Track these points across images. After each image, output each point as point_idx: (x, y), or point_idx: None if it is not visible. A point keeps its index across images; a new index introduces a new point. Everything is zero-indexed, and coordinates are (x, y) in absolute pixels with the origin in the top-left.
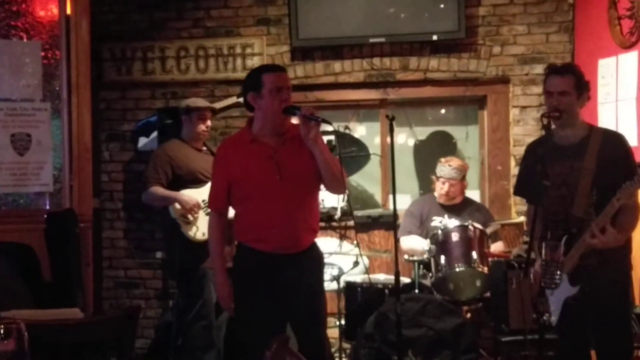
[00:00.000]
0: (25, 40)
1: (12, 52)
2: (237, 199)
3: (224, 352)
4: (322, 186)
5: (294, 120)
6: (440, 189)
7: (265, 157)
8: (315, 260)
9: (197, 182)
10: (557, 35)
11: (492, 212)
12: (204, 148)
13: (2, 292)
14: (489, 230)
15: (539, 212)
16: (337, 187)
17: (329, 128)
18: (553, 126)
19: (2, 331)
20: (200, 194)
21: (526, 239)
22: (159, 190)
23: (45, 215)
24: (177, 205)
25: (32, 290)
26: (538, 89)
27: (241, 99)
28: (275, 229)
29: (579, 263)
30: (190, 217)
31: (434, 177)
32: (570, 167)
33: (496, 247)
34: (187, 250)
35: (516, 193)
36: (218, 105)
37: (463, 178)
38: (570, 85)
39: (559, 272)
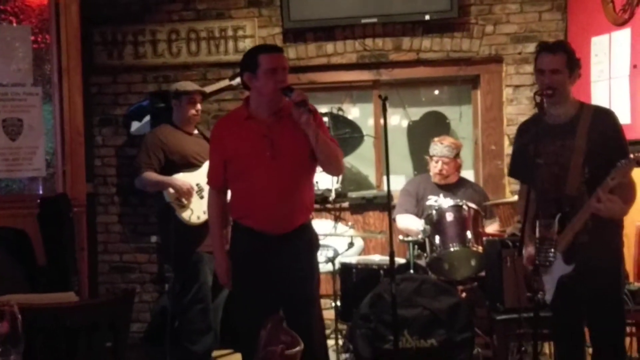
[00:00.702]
0: (14, 24)
1: (2, 37)
2: (231, 176)
3: (221, 335)
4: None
5: None
6: (434, 167)
7: (259, 134)
8: (308, 242)
9: (190, 166)
10: (549, 13)
11: (486, 192)
12: (196, 132)
13: None
14: (489, 230)
15: (532, 191)
16: (332, 168)
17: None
18: (545, 105)
19: None
20: (193, 178)
21: (520, 218)
22: (152, 175)
23: (39, 200)
24: (171, 190)
25: (26, 275)
26: (531, 68)
27: (233, 82)
28: (267, 205)
29: (572, 241)
30: (184, 200)
31: (427, 157)
32: (561, 145)
33: (492, 227)
34: (182, 234)
35: (511, 174)
36: (210, 88)
37: (456, 156)
38: (562, 62)
39: (552, 250)
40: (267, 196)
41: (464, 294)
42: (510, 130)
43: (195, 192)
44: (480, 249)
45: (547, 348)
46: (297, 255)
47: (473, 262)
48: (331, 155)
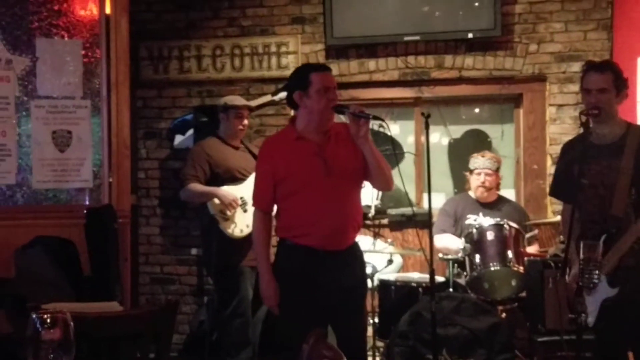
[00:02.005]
0: (66, 39)
1: (54, 51)
2: (282, 195)
3: (259, 349)
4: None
5: (342, 118)
6: (476, 180)
7: (311, 154)
8: (360, 258)
9: (234, 180)
10: (595, 32)
11: (527, 212)
12: (241, 145)
13: (44, 285)
14: (528, 235)
15: (576, 212)
16: (384, 184)
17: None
18: (591, 124)
19: (48, 320)
20: (238, 191)
21: (562, 238)
22: (198, 186)
23: (85, 211)
24: (216, 201)
25: (72, 284)
26: (575, 87)
27: (275, 97)
28: (322, 223)
29: (618, 264)
30: (228, 212)
31: (467, 173)
32: (608, 166)
33: (530, 249)
34: (225, 247)
35: (552, 194)
36: (254, 103)
37: (497, 170)
38: (609, 82)
39: (597, 272)
40: (321, 215)
41: (503, 314)
42: (553, 150)
43: (239, 205)
44: (521, 268)
45: None
46: (348, 269)
47: (514, 282)
48: (385, 169)
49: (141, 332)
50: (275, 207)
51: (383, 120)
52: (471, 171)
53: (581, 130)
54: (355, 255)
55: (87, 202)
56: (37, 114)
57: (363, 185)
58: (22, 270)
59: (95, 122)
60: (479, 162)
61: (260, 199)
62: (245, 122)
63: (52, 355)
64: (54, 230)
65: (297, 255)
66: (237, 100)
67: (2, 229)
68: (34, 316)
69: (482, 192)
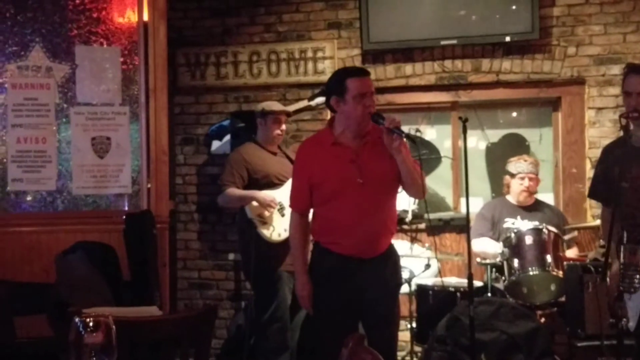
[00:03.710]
0: (105, 46)
1: (93, 58)
2: (317, 201)
3: (297, 355)
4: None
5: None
6: (519, 184)
7: (347, 160)
8: (392, 261)
9: (272, 186)
10: (634, 35)
11: (567, 216)
12: (279, 151)
13: (85, 289)
14: (566, 237)
15: (616, 215)
16: (417, 192)
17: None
18: (631, 127)
19: (91, 324)
20: (276, 195)
21: (602, 242)
22: (235, 191)
23: (124, 216)
24: (254, 203)
25: (112, 289)
26: (615, 90)
27: (312, 103)
28: (354, 233)
29: None
30: (266, 213)
31: (507, 177)
32: None
33: (569, 253)
34: (263, 252)
35: (591, 196)
36: (291, 108)
37: (538, 173)
38: None
39: (638, 276)
40: (355, 221)
41: (542, 319)
42: (592, 153)
43: (276, 209)
44: (560, 273)
45: None
46: (381, 274)
47: (553, 287)
48: (417, 178)
49: (180, 337)
50: (311, 210)
51: (414, 141)
52: (513, 175)
53: (621, 134)
54: (388, 259)
55: (126, 208)
56: (76, 121)
57: (399, 191)
58: (63, 275)
59: (133, 128)
60: (522, 166)
61: (297, 201)
62: (283, 127)
63: (94, 359)
64: (94, 236)
65: (330, 259)
66: (275, 105)
67: (43, 234)
68: (76, 320)
69: (526, 196)
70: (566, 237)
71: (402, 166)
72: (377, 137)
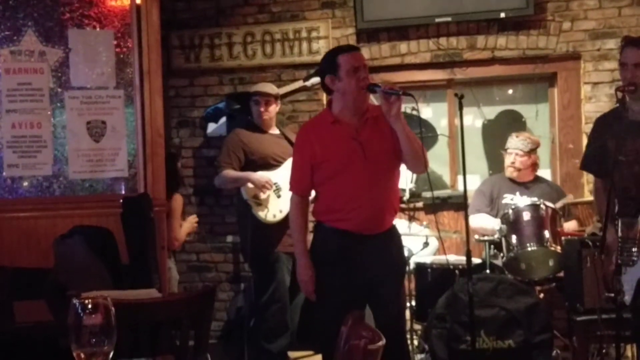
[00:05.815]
0: (98, 29)
1: (86, 42)
2: (319, 180)
3: (298, 335)
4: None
5: (374, 101)
6: (507, 159)
7: (348, 137)
8: (396, 240)
9: (269, 167)
10: (629, 8)
11: (565, 192)
12: (277, 132)
13: (84, 274)
14: (558, 205)
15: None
16: (418, 164)
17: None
18: (628, 100)
19: (90, 306)
20: (272, 177)
21: (599, 216)
22: (231, 172)
23: (121, 200)
24: (250, 185)
25: (110, 272)
26: (610, 65)
27: (307, 83)
28: (360, 208)
29: None
30: (262, 195)
31: (503, 152)
32: None
33: (570, 225)
34: (260, 234)
35: (583, 167)
36: (286, 89)
37: (532, 152)
38: None
39: (635, 250)
40: (359, 198)
41: (541, 295)
42: (589, 128)
43: (272, 190)
44: (558, 248)
45: (629, 350)
46: (388, 254)
47: (551, 262)
48: (418, 149)
49: (180, 319)
50: (312, 192)
51: (412, 95)
52: (505, 150)
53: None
54: (392, 238)
55: (123, 191)
56: (71, 105)
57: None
58: (61, 259)
59: (128, 111)
60: (512, 142)
61: (297, 184)
62: (271, 109)
63: (93, 340)
64: (92, 220)
65: (334, 238)
66: (263, 86)
67: (41, 219)
68: (75, 302)
69: (512, 172)
70: (557, 205)
71: (402, 135)
72: (376, 115)
